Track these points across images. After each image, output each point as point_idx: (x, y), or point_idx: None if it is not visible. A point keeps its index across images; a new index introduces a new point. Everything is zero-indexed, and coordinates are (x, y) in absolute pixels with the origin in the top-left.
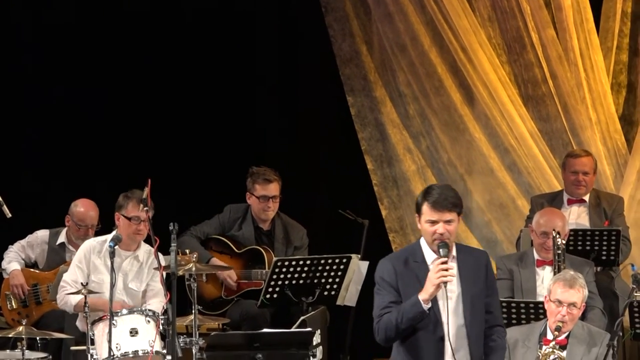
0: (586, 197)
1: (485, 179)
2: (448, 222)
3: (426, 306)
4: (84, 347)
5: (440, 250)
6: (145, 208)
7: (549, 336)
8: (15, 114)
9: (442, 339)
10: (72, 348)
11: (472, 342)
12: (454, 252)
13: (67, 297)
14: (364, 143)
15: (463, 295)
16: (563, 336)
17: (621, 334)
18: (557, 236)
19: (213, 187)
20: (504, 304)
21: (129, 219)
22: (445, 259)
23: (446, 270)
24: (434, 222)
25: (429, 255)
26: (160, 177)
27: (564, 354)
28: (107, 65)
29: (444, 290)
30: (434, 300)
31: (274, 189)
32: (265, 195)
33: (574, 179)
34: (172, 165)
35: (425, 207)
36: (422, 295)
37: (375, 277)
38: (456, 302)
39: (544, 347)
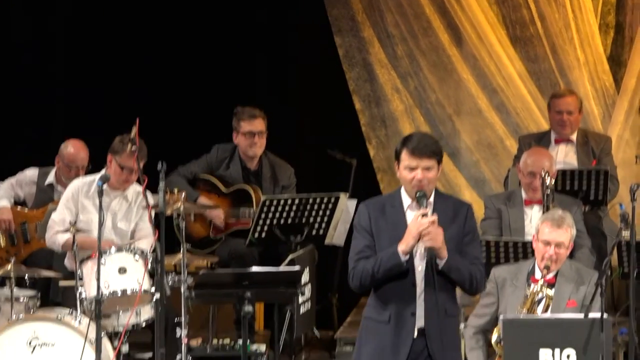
0: (573, 137)
1: (474, 119)
2: (427, 169)
3: (404, 258)
4: (73, 283)
5: (419, 200)
6: (134, 147)
7: (537, 275)
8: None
9: (413, 284)
10: (61, 284)
11: (439, 286)
12: (431, 199)
13: (55, 236)
14: (352, 83)
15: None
16: (551, 275)
17: (609, 272)
18: (546, 176)
19: (201, 127)
20: (492, 244)
21: (121, 167)
22: (426, 210)
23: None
24: (412, 169)
25: (406, 200)
26: (148, 116)
27: (552, 292)
28: (99, 7)
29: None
30: None
31: (259, 124)
32: (251, 131)
33: (559, 119)
34: (161, 105)
35: (405, 154)
36: (401, 247)
37: (354, 222)
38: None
39: (532, 286)
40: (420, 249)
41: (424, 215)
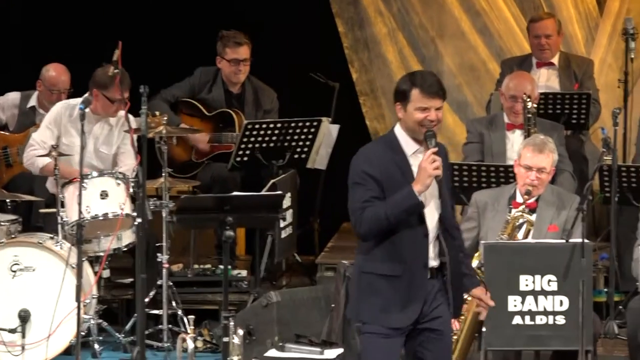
0: (555, 60)
1: (457, 42)
2: (438, 109)
3: (420, 198)
4: (53, 210)
5: (428, 140)
6: (116, 70)
7: (519, 199)
8: None
9: (425, 235)
10: (42, 211)
11: (445, 236)
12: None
13: (35, 158)
14: (335, 5)
15: (439, 189)
16: (532, 199)
17: (591, 197)
18: (528, 100)
19: (183, 50)
20: (474, 167)
21: (112, 101)
22: (436, 149)
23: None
24: (425, 109)
25: (408, 146)
26: (131, 39)
27: (533, 217)
28: None
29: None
30: None
31: (244, 52)
32: (235, 59)
33: (537, 43)
34: (143, 28)
35: (416, 93)
36: (417, 187)
37: (354, 170)
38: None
39: (513, 211)
40: (432, 203)
41: (435, 153)
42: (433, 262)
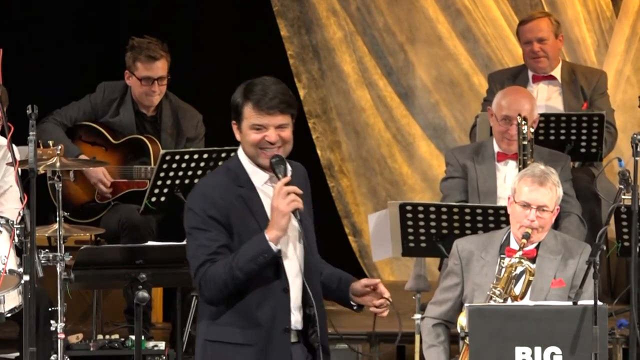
0: (557, 73)
1: (432, 49)
2: (281, 127)
3: (276, 247)
4: None
5: (275, 168)
6: None
7: (514, 246)
8: None
9: (285, 290)
10: None
11: (312, 284)
12: (289, 167)
13: None
14: (277, 3)
15: (299, 227)
16: (532, 246)
17: (605, 247)
18: (523, 122)
19: (82, 60)
20: (455, 210)
21: None
22: (288, 178)
23: (294, 193)
24: (260, 128)
25: (256, 175)
26: (13, 45)
27: (533, 266)
28: None
29: (292, 222)
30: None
31: (160, 68)
32: (148, 77)
33: (529, 50)
34: (31, 32)
35: (249, 109)
36: (272, 234)
37: (192, 212)
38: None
39: (507, 259)
40: (291, 246)
41: (288, 184)
42: (297, 324)
